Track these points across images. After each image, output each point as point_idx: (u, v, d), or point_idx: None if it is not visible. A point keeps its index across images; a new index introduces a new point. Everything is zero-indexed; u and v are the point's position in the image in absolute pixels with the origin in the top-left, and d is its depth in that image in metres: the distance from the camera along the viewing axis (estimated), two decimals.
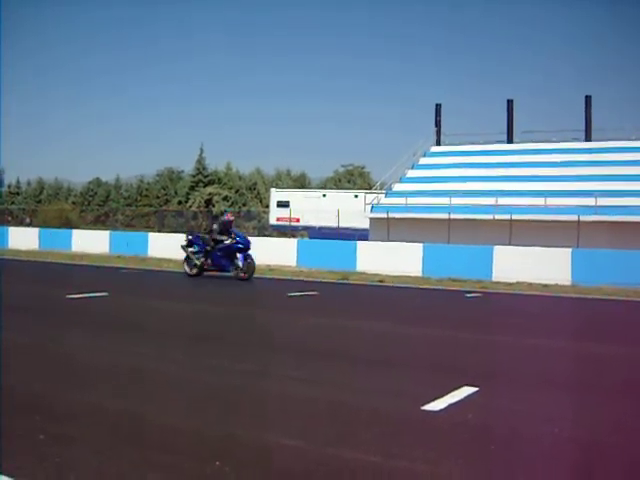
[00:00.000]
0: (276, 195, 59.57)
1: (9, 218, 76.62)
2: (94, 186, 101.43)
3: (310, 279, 27.13)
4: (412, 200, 39.33)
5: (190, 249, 26.12)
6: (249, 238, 26.46)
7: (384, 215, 38.70)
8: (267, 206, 65.20)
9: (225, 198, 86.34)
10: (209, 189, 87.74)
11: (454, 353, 11.32)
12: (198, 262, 25.80)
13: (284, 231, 55.91)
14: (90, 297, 17.06)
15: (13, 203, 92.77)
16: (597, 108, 44.59)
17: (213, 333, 12.84)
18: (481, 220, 35.91)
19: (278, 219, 56.97)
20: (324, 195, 58.04)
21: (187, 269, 26.29)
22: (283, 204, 56.73)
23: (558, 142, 43.63)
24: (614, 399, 8.17)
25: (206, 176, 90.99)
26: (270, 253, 35.07)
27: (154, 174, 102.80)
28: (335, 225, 50.25)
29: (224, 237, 25.43)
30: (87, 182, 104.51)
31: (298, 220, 54.56)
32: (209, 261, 25.70)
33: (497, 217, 35.32)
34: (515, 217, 34.51)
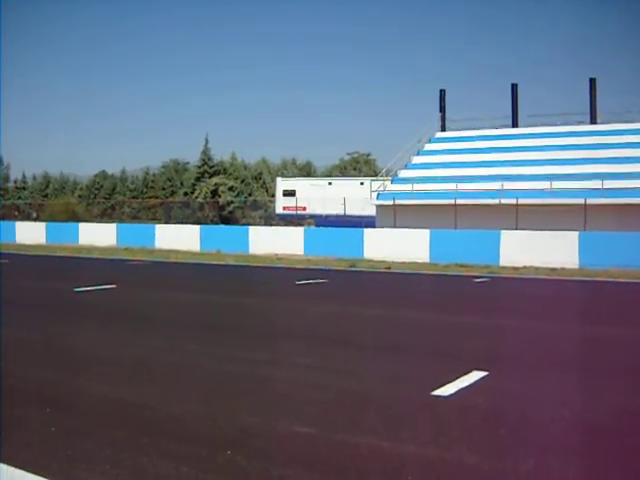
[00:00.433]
0: (282, 184, 59.42)
1: (16, 213, 76.77)
2: (100, 179, 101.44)
3: (318, 267, 27.14)
4: (418, 186, 39.22)
5: None
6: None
7: (390, 202, 38.60)
8: (273, 195, 65.10)
9: (231, 188, 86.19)
10: (215, 180, 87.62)
11: (463, 338, 11.33)
12: None
13: (291, 220, 55.85)
14: (98, 290, 17.10)
15: (20, 198, 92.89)
16: (602, 91, 44.29)
17: (223, 323, 12.87)
18: (487, 205, 35.80)
19: (284, 208, 56.88)
20: (330, 183, 57.88)
21: None
22: (289, 193, 56.64)
23: (563, 125, 43.47)
24: (622, 381, 8.18)
25: (212, 167, 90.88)
26: (277, 242, 35.12)
27: (159, 166, 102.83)
28: (342, 213, 50.20)
29: None
30: (93, 175, 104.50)
31: (304, 209, 54.52)
32: None
33: (503, 202, 35.20)
34: (521, 201, 34.39)
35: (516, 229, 31.59)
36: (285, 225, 50.97)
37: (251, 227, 41.34)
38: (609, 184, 33.93)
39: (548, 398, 7.23)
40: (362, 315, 14.12)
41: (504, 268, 27.07)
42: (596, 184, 34.16)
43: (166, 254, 33.07)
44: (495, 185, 36.67)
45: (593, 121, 43.28)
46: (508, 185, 36.29)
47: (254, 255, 33.54)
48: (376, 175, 53.80)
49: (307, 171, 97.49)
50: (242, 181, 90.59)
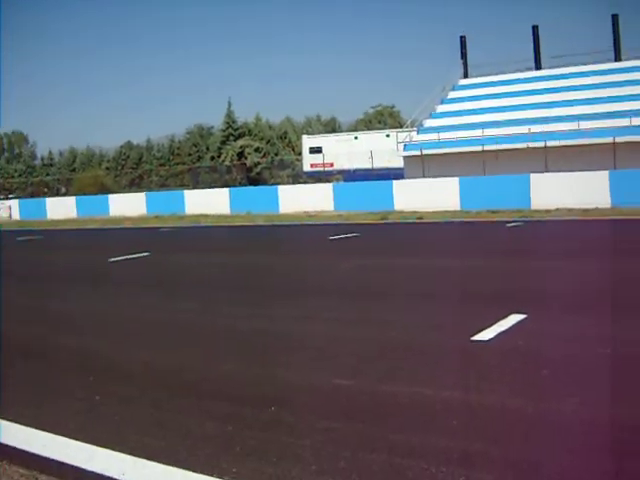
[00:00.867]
0: (308, 142, 59.21)
1: (45, 190, 77.26)
2: (126, 150, 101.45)
3: (350, 222, 27.12)
4: (444, 135, 39.00)
5: None
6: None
7: (418, 152, 38.44)
8: (299, 153, 64.87)
9: (257, 149, 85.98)
10: (240, 142, 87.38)
11: (499, 282, 11.30)
12: None
13: (319, 177, 55.72)
14: (132, 259, 17.21)
15: (47, 175, 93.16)
16: (625, 27, 43.48)
17: (257, 283, 12.90)
18: (515, 149, 35.53)
19: (312, 165, 56.79)
20: (356, 137, 57.60)
21: None
22: (315, 150, 56.48)
23: (588, 64, 42.90)
24: None
25: (236, 129, 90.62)
26: (307, 200, 35.14)
27: (184, 132, 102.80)
28: (369, 166, 50.05)
29: None
30: (119, 146, 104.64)
31: (332, 165, 54.40)
32: None
33: (531, 145, 34.94)
34: (549, 144, 34.14)
35: (546, 172, 31.37)
36: (313, 182, 50.90)
37: (280, 186, 41.43)
38: (637, 121, 33.54)
39: (589, 337, 7.19)
40: (397, 266, 14.10)
41: (536, 211, 26.92)
42: (624, 122, 33.76)
43: (196, 219, 33.18)
44: (522, 129, 36.36)
45: (617, 58, 42.68)
46: (535, 128, 35.98)
47: (284, 214, 33.61)
48: (401, 127, 53.41)
49: (332, 127, 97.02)
50: (267, 141, 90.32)
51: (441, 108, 44.54)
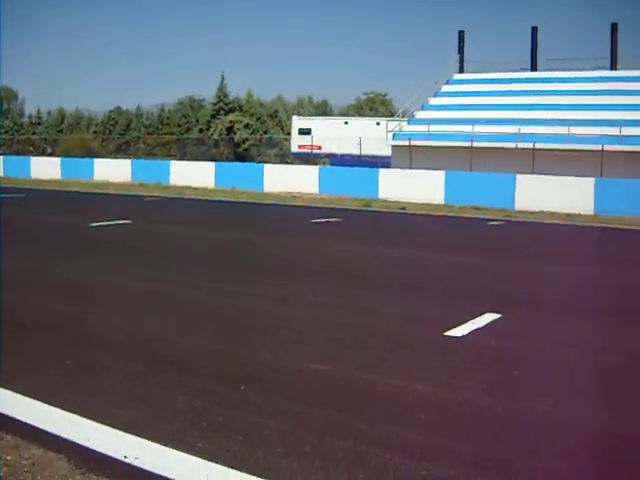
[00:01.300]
0: (298, 122, 59.01)
1: (31, 148, 76.72)
2: (115, 115, 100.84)
3: (333, 206, 27.10)
4: (434, 128, 38.96)
5: None
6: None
7: (406, 143, 38.38)
8: (288, 133, 64.73)
9: (246, 125, 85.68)
10: (230, 117, 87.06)
11: (476, 280, 11.36)
12: None
13: (306, 158, 55.61)
14: (114, 225, 17.15)
15: (34, 133, 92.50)
16: (623, 37, 43.56)
17: (237, 260, 12.92)
18: (504, 148, 35.57)
19: (300, 146, 56.60)
20: (346, 122, 57.49)
21: None
22: (305, 131, 56.30)
23: (583, 70, 42.95)
24: (636, 324, 8.20)
25: (227, 104, 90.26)
26: (292, 181, 35.08)
27: (175, 102, 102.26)
28: (357, 153, 49.93)
29: None
30: (108, 111, 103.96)
31: (320, 147, 54.26)
32: None
33: (520, 146, 34.97)
34: (538, 146, 34.17)
35: (532, 173, 31.46)
36: (300, 164, 50.81)
37: (266, 165, 41.29)
38: (627, 131, 33.65)
39: (561, 340, 7.26)
40: (376, 254, 14.15)
41: (520, 212, 27.02)
42: (614, 131, 33.85)
43: (181, 190, 33.09)
44: (512, 129, 36.39)
45: (613, 67, 42.78)
46: (525, 129, 36.02)
47: (269, 193, 33.57)
48: (392, 115, 53.37)
49: (323, 110, 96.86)
50: (258, 119, 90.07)
51: (434, 101, 44.50)
